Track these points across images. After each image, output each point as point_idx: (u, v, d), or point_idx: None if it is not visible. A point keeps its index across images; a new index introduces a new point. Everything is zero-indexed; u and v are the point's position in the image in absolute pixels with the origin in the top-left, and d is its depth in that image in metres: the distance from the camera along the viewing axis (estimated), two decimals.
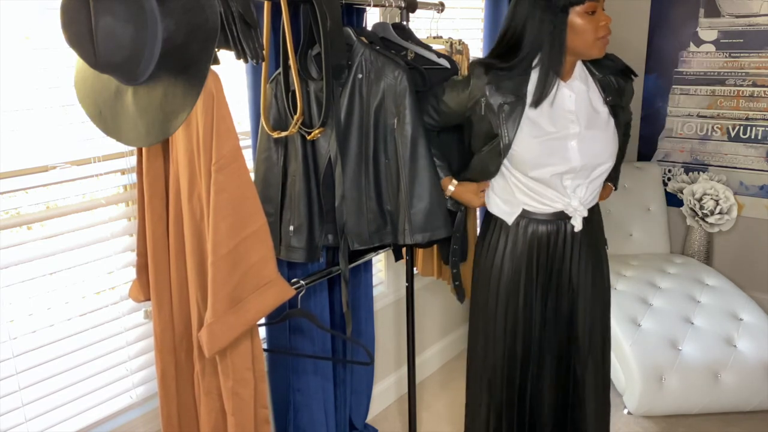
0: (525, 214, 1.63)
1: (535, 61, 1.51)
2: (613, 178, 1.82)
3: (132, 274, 1.63)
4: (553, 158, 1.52)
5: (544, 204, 1.60)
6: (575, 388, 1.74)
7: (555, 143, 1.52)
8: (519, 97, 1.51)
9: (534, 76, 1.52)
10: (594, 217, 1.69)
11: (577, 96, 1.55)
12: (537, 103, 1.51)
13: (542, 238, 1.63)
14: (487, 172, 1.63)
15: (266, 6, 1.46)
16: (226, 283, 1.27)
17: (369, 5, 1.72)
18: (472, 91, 1.55)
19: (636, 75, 1.69)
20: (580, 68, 1.58)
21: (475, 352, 1.77)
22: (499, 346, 1.69)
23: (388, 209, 1.66)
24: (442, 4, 1.99)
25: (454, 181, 1.72)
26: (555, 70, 1.49)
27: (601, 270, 1.72)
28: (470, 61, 1.61)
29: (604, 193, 1.81)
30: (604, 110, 1.59)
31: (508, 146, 1.53)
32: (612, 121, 1.59)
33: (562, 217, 1.62)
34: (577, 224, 1.63)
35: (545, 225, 1.63)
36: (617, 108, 1.61)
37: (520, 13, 1.49)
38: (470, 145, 1.69)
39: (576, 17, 1.44)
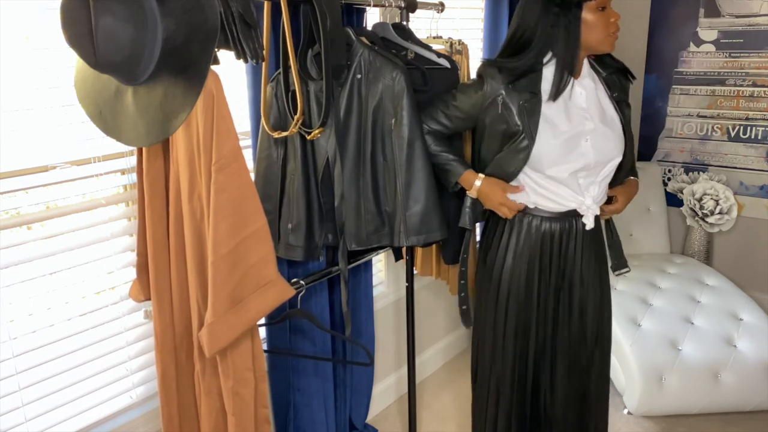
0: (536, 212, 1.64)
1: (546, 57, 1.53)
2: (632, 171, 1.80)
3: (132, 274, 1.63)
4: (570, 155, 1.54)
5: (558, 203, 1.62)
6: (580, 380, 1.75)
7: (571, 140, 1.54)
8: (535, 94, 1.53)
9: (547, 73, 1.54)
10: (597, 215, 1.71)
11: (587, 93, 1.58)
12: (555, 96, 1.52)
13: (554, 235, 1.65)
14: (504, 176, 1.62)
15: (266, 6, 1.46)
16: (226, 283, 1.27)
17: (369, 5, 1.71)
18: (487, 92, 1.56)
19: (635, 78, 1.70)
20: (587, 66, 1.60)
21: (483, 352, 1.77)
22: (509, 345, 1.69)
23: (387, 210, 1.65)
24: (442, 4, 1.99)
25: (481, 175, 1.64)
26: (570, 65, 1.51)
27: (606, 265, 1.75)
28: (480, 63, 1.61)
29: (632, 190, 1.76)
30: (610, 107, 1.63)
31: (533, 143, 1.53)
32: (618, 117, 1.63)
33: (572, 215, 1.63)
34: (589, 222, 1.65)
35: (557, 222, 1.64)
36: (622, 104, 1.65)
37: (531, 11, 1.51)
38: (480, 152, 1.68)
39: (588, 13, 1.48)
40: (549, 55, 1.53)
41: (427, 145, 1.62)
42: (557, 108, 1.54)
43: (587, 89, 1.58)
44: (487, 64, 1.58)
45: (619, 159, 1.61)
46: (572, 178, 1.57)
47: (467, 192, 1.68)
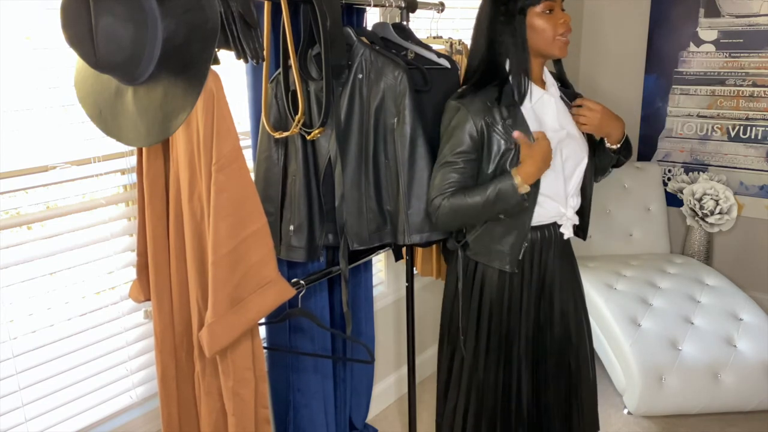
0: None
1: (508, 67, 1.54)
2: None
3: (132, 274, 1.63)
4: (555, 162, 1.55)
5: (543, 211, 1.61)
6: (569, 380, 1.75)
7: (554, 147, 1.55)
8: (513, 106, 1.54)
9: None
10: (583, 224, 1.74)
11: (555, 101, 1.60)
12: (521, 99, 1.53)
13: (534, 244, 1.64)
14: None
15: (266, 6, 1.46)
16: (226, 283, 1.27)
17: (369, 5, 1.72)
18: (474, 119, 1.51)
19: (573, 101, 1.66)
20: (547, 74, 1.63)
21: (461, 361, 1.73)
22: (493, 354, 1.68)
23: (388, 209, 1.66)
24: (442, 4, 1.99)
25: (513, 173, 1.48)
26: (524, 69, 1.52)
27: (576, 266, 1.77)
28: (451, 101, 1.56)
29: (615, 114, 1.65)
30: (569, 113, 1.64)
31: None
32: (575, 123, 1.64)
33: (550, 224, 1.64)
34: (568, 232, 1.66)
35: (536, 232, 1.63)
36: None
37: (481, 26, 1.54)
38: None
39: (535, 18, 1.50)
40: (508, 64, 1.54)
41: (429, 144, 1.61)
42: (531, 115, 1.55)
43: (555, 97, 1.60)
44: (457, 97, 1.55)
45: (585, 163, 1.62)
46: (558, 185, 1.57)
47: (522, 187, 1.48)
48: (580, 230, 1.74)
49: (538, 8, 1.48)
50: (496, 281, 1.64)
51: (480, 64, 1.56)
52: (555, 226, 1.65)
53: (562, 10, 1.53)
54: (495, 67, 1.54)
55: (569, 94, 1.69)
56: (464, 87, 1.58)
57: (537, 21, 1.50)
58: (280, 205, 1.67)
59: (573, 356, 1.74)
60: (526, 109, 1.55)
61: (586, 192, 1.71)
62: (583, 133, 1.64)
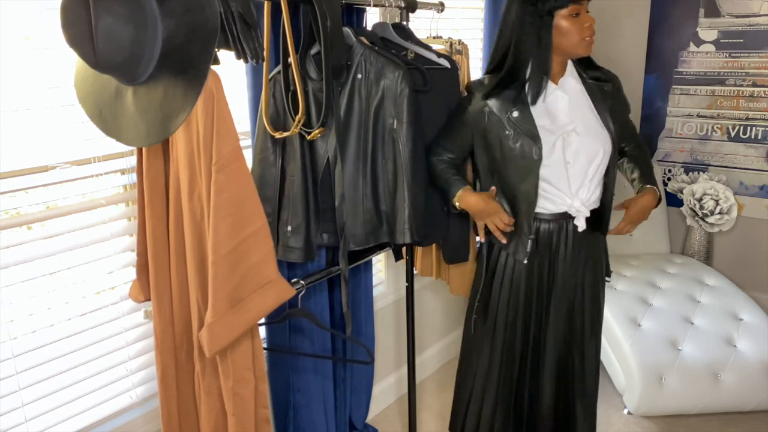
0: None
1: (528, 66, 1.58)
2: (648, 178, 1.74)
3: (132, 274, 1.63)
4: (554, 154, 1.57)
5: (550, 203, 1.63)
6: (572, 377, 1.76)
7: (556, 139, 1.57)
8: (524, 102, 1.57)
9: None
10: (603, 219, 1.70)
11: (570, 96, 1.62)
12: (534, 100, 1.57)
13: (545, 235, 1.67)
14: (515, 188, 1.67)
15: (266, 6, 1.46)
16: (226, 283, 1.27)
17: (369, 5, 1.72)
18: (476, 103, 1.65)
19: (608, 80, 1.70)
20: (571, 68, 1.65)
21: (472, 344, 1.81)
22: (498, 339, 1.73)
23: (385, 210, 1.66)
24: (442, 4, 1.99)
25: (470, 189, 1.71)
26: (543, 69, 1.56)
27: (601, 267, 1.77)
28: (467, 82, 1.72)
29: (645, 201, 1.68)
30: (592, 107, 1.65)
31: (539, 142, 1.56)
32: (599, 117, 1.63)
33: (565, 217, 1.66)
34: (581, 224, 1.66)
35: (548, 223, 1.66)
36: (606, 110, 1.66)
37: (508, 22, 1.58)
38: (477, 166, 1.74)
39: (561, 20, 1.53)
40: (530, 62, 1.57)
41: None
42: (542, 109, 1.59)
43: (570, 92, 1.62)
44: (471, 82, 1.68)
45: (601, 157, 1.62)
46: (562, 177, 1.59)
47: (457, 206, 1.71)
48: (600, 225, 1.71)
49: (565, 11, 1.51)
50: (512, 267, 1.70)
51: (501, 61, 1.61)
52: (568, 217, 1.66)
53: (587, 12, 1.56)
54: (518, 66, 1.58)
55: (599, 79, 1.69)
56: (482, 78, 1.66)
57: (563, 23, 1.53)
58: (278, 206, 1.67)
59: (578, 354, 1.75)
60: (538, 104, 1.58)
61: (608, 186, 1.68)
62: (605, 126, 1.63)
